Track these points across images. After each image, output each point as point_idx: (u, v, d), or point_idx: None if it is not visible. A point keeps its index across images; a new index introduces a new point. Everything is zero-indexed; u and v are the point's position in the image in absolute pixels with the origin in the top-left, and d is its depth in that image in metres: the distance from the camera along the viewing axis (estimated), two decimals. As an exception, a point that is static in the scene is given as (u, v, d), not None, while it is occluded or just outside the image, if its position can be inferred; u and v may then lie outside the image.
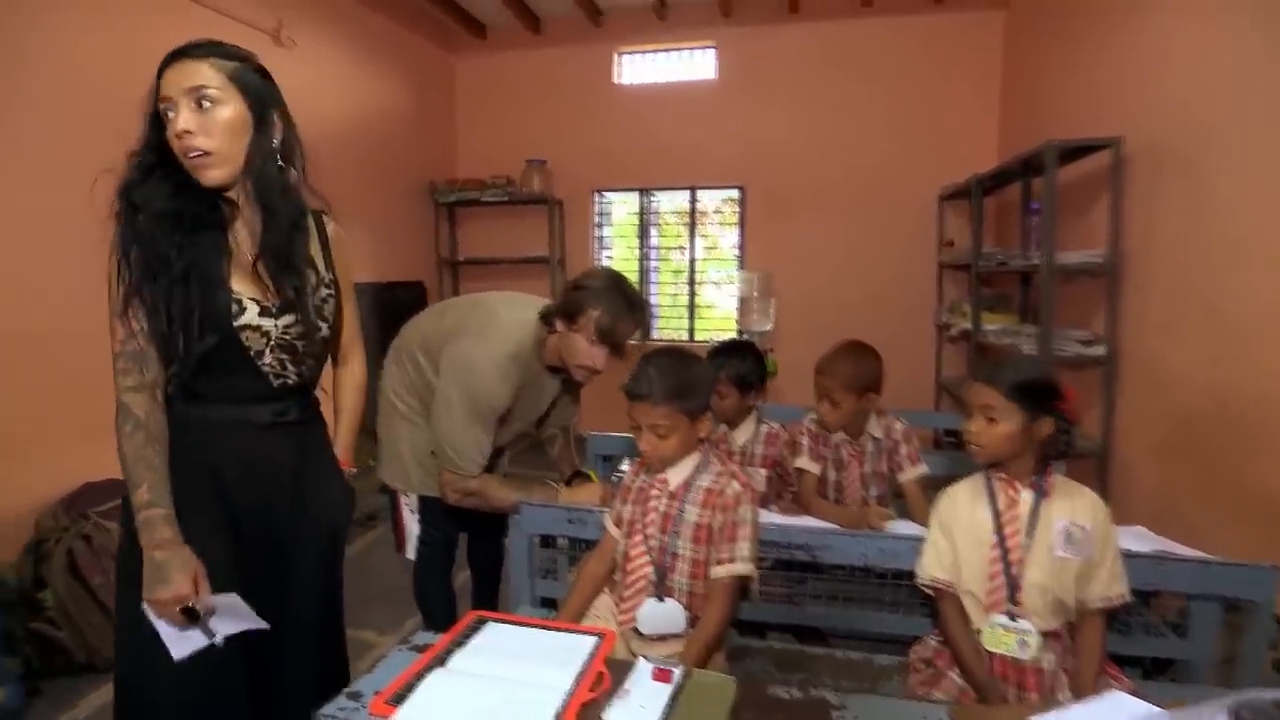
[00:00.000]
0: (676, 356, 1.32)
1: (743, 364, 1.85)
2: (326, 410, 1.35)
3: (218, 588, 1.10)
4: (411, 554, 1.85)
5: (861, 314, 4.49)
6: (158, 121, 1.06)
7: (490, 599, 2.18)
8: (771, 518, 1.57)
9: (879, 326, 4.30)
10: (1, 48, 2.33)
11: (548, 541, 1.72)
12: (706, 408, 1.30)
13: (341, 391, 1.41)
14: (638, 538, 1.32)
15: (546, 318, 1.64)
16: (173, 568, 1.04)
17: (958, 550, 1.26)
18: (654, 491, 1.32)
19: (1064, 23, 3.31)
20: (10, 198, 2.36)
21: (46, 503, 2.44)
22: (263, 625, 1.15)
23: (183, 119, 1.02)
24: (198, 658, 1.10)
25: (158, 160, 1.07)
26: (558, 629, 1.14)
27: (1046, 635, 1.19)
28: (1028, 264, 2.98)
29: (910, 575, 1.40)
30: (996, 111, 4.25)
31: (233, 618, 1.12)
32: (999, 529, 1.22)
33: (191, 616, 1.06)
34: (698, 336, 4.98)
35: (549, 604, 1.70)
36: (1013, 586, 1.19)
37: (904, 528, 1.69)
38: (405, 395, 1.77)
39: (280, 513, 1.21)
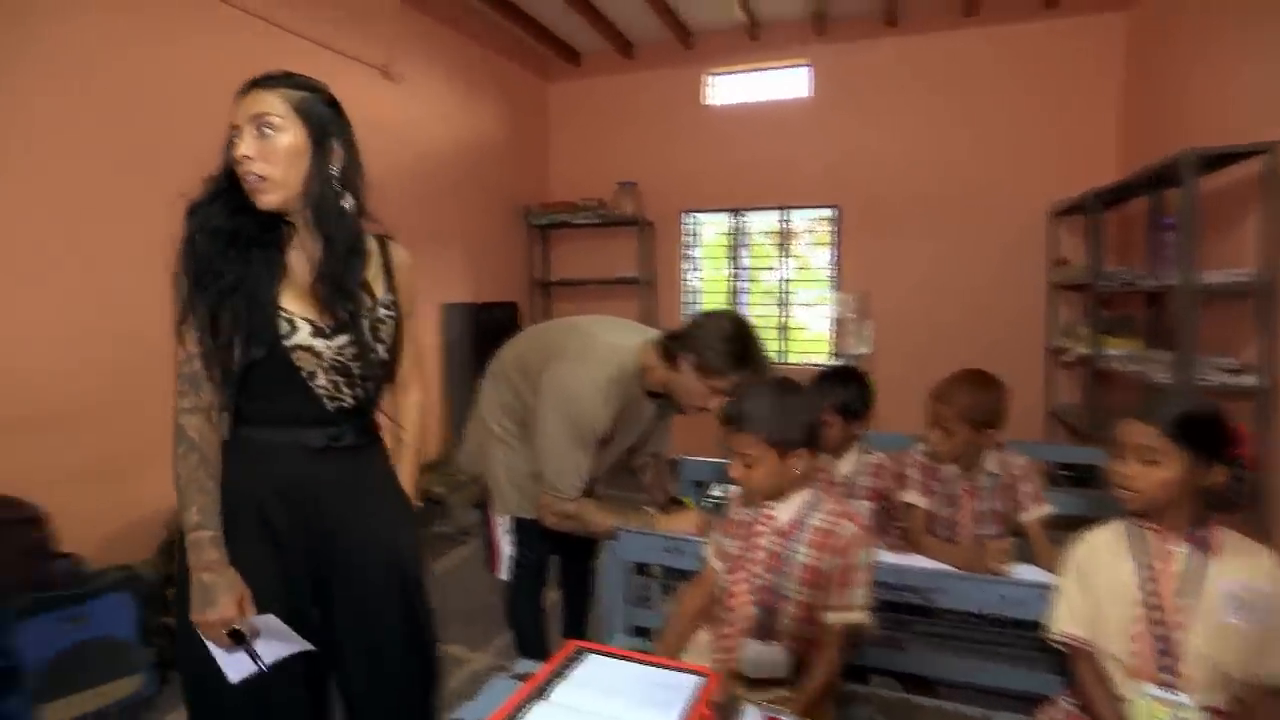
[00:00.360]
0: (776, 388, 1.27)
1: (846, 391, 1.77)
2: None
3: (265, 609, 1.10)
4: (505, 575, 1.87)
5: (965, 336, 4.26)
6: (231, 149, 1.11)
7: (580, 622, 2.17)
8: (881, 556, 1.48)
9: (983, 350, 4.06)
10: (112, 82, 2.57)
11: (642, 569, 1.69)
12: (804, 444, 1.23)
13: (401, 418, 1.37)
14: (741, 574, 1.26)
15: (663, 348, 1.63)
16: (219, 590, 1.05)
17: (1097, 605, 1.13)
18: (760, 527, 1.27)
19: (1200, 21, 3.04)
20: (145, 210, 2.60)
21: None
22: (307, 647, 1.13)
23: (244, 145, 1.07)
24: (254, 677, 1.11)
25: (228, 185, 1.11)
26: (659, 665, 1.10)
27: (1208, 711, 1.05)
28: (1160, 284, 2.72)
29: (1034, 626, 1.29)
30: (1116, 121, 3.95)
31: (277, 640, 1.11)
32: (1148, 586, 1.09)
33: (237, 639, 1.06)
34: (789, 359, 4.86)
35: (642, 633, 1.67)
36: (1167, 654, 1.06)
37: (1027, 572, 1.56)
38: (501, 418, 1.80)
39: (331, 536, 1.19)
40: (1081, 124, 4.00)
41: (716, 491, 2.43)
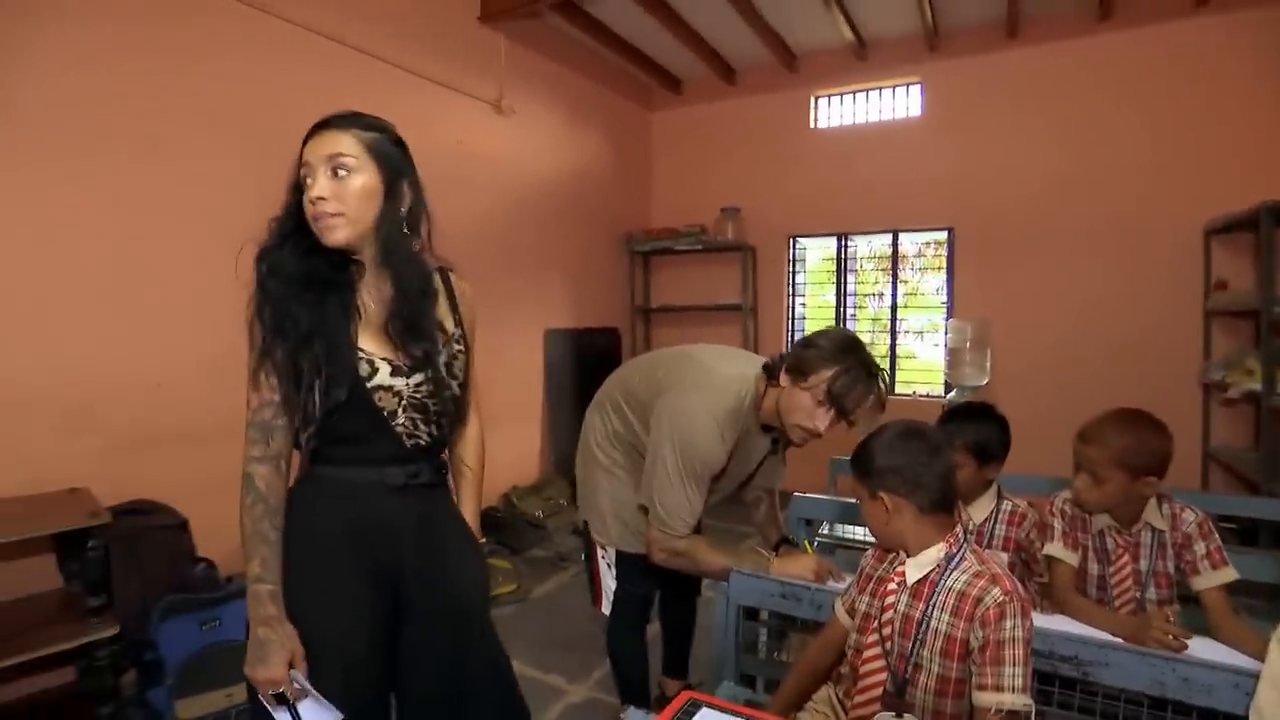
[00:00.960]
0: (901, 437, 1.16)
1: (981, 429, 1.60)
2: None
3: (348, 646, 1.10)
4: (607, 609, 1.82)
5: (1101, 369, 3.87)
6: (298, 189, 1.11)
7: (682, 660, 2.09)
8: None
9: (1124, 384, 3.69)
10: (250, 116, 2.79)
11: (751, 614, 1.59)
12: (908, 492, 1.12)
13: (464, 450, 1.35)
14: (873, 637, 1.15)
15: (770, 370, 1.56)
16: (273, 647, 1.03)
17: (1320, 701, 0.94)
18: (892, 585, 1.15)
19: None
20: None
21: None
22: (340, 716, 1.08)
23: (319, 185, 1.07)
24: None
25: (295, 227, 1.11)
26: (777, 726, 1.01)
27: None
28: (1355, 312, 2.35)
29: (1223, 717, 1.09)
30: (1288, 126, 3.49)
31: (319, 705, 1.08)
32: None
33: (281, 699, 1.05)
34: (898, 390, 4.60)
35: (748, 681, 1.57)
36: None
37: (1204, 648, 1.34)
38: (608, 447, 1.77)
39: (409, 575, 1.17)
40: (1245, 130, 3.57)
41: (825, 530, 2.30)
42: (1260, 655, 1.15)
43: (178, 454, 2.46)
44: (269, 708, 1.06)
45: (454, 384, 1.21)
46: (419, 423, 1.16)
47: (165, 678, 2.05)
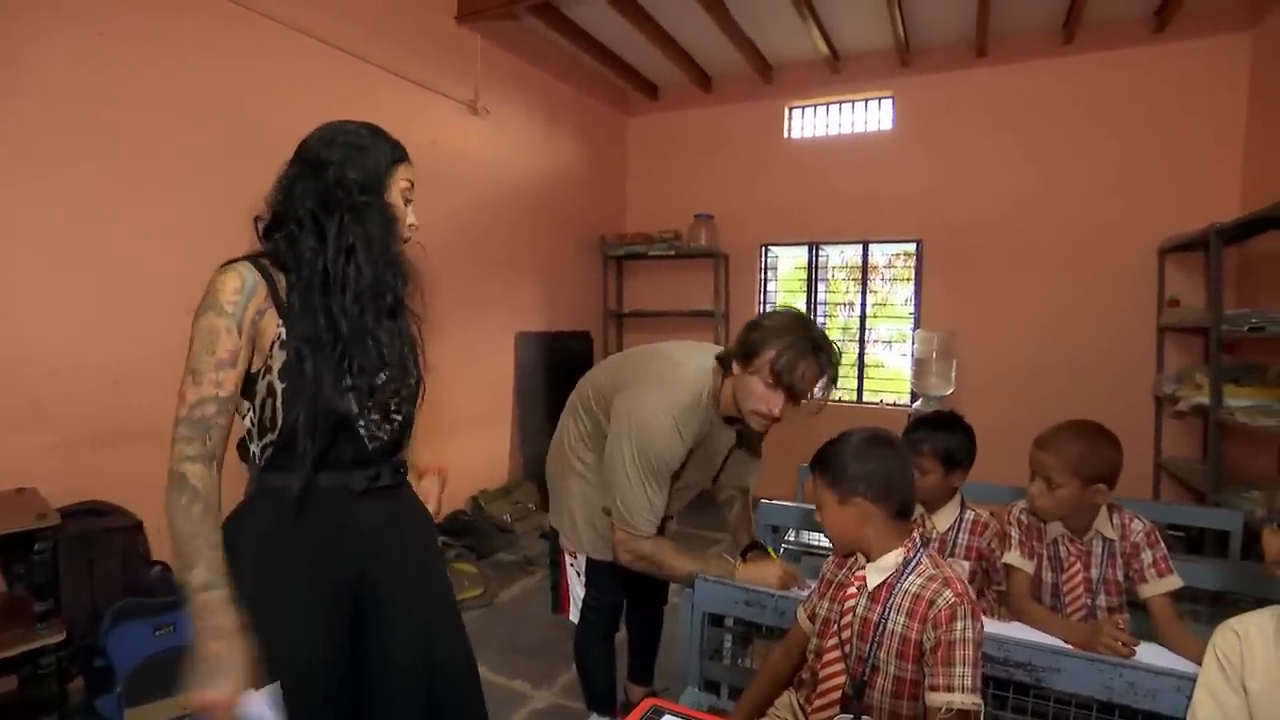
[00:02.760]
0: (870, 443, 1.18)
1: (949, 438, 1.64)
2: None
3: (309, 656, 1.07)
4: (574, 617, 1.81)
5: (1059, 380, 3.98)
6: (372, 191, 1.13)
7: (648, 667, 2.09)
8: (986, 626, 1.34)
9: (1081, 395, 3.80)
10: (233, 117, 2.74)
11: (716, 620, 1.60)
12: (868, 494, 1.14)
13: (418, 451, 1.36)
14: (832, 640, 1.17)
15: (723, 360, 1.55)
16: (226, 665, 0.92)
17: (1254, 707, 0.98)
18: (851, 589, 1.17)
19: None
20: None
21: (261, 521, 2.73)
22: None
23: (412, 210, 1.20)
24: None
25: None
26: (739, 733, 1.02)
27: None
28: (1297, 330, 2.46)
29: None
30: (1239, 150, 3.64)
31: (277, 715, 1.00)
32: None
33: None
34: (866, 398, 4.68)
35: (712, 687, 1.58)
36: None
37: (1150, 654, 1.38)
38: (581, 449, 1.75)
39: (378, 579, 1.16)
40: (1197, 154, 3.72)
41: (791, 537, 2.32)
42: (1200, 660, 1.20)
43: (133, 453, 2.38)
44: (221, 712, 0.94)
45: (411, 380, 1.20)
46: (380, 422, 1.14)
47: (115, 685, 1.99)
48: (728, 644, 1.67)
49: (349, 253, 1.07)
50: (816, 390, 1.47)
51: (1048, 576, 1.58)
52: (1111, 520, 1.55)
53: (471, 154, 3.76)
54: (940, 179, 4.33)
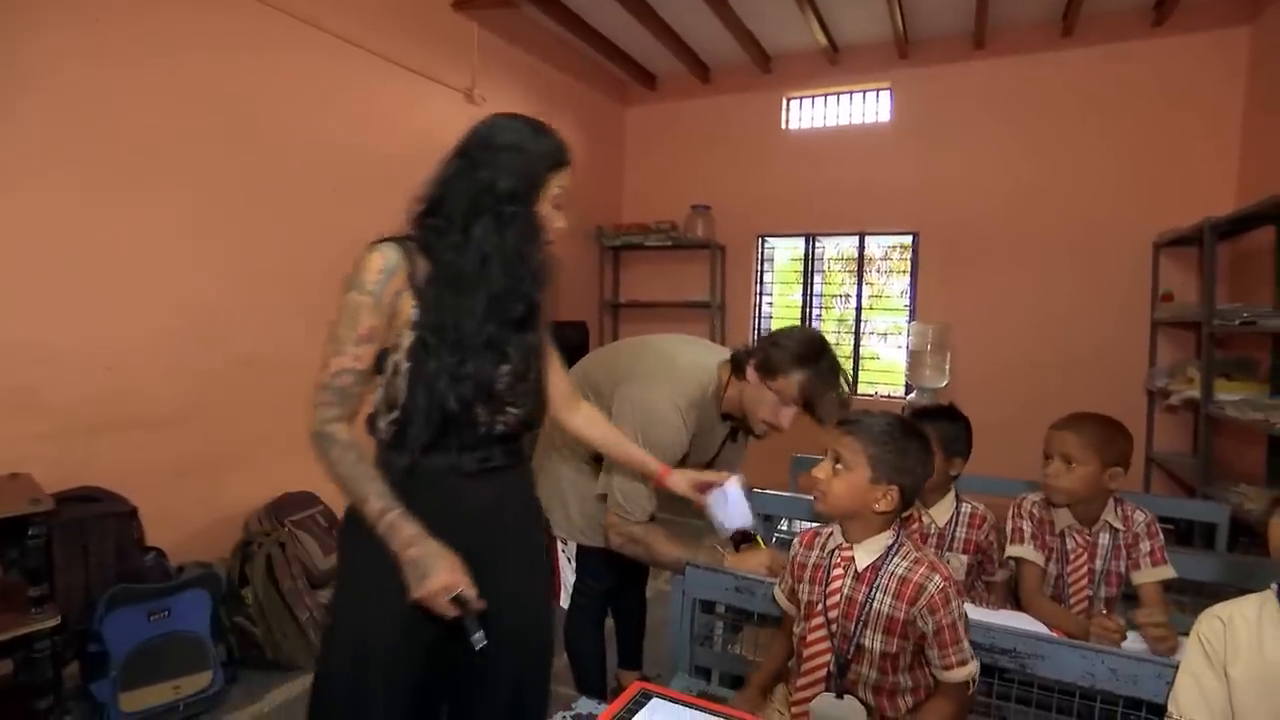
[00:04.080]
0: (919, 441, 1.20)
1: (949, 427, 1.67)
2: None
3: (421, 631, 1.14)
4: (565, 603, 1.83)
5: (1053, 374, 4.00)
6: (522, 200, 1.16)
7: (636, 652, 2.11)
8: (974, 614, 1.36)
9: (1075, 389, 3.81)
10: (213, 103, 2.73)
11: (707, 607, 1.62)
12: (900, 485, 1.15)
13: (595, 429, 1.47)
14: (818, 620, 1.19)
15: (737, 364, 1.59)
16: (431, 560, 1.06)
17: (1234, 693, 0.99)
18: (837, 570, 1.19)
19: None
20: (240, 228, 2.74)
21: (254, 507, 2.74)
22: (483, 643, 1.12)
23: (562, 215, 1.25)
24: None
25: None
26: (726, 715, 1.03)
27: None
28: (1288, 325, 2.47)
29: (1145, 706, 1.14)
30: (1236, 145, 3.64)
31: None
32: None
33: (460, 603, 1.07)
34: (861, 390, 4.69)
35: (703, 673, 1.60)
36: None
37: (1139, 642, 1.40)
38: (572, 440, 1.76)
39: (483, 556, 1.20)
40: (1194, 149, 3.72)
41: (784, 526, 2.34)
42: (1169, 653, 1.22)
43: (128, 440, 2.39)
44: (445, 612, 1.06)
45: (529, 381, 1.23)
46: (493, 415, 1.19)
47: (109, 669, 2.00)
48: (719, 632, 1.68)
49: (484, 260, 1.12)
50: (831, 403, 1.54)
51: (1053, 569, 1.59)
52: (1117, 512, 1.56)
53: (468, 143, 3.74)
54: (937, 171, 4.33)
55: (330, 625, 1.24)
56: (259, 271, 2.76)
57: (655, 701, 1.04)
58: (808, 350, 1.50)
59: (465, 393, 1.12)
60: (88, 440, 2.29)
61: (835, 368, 1.53)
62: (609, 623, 2.03)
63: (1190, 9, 3.62)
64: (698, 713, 1.03)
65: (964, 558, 1.64)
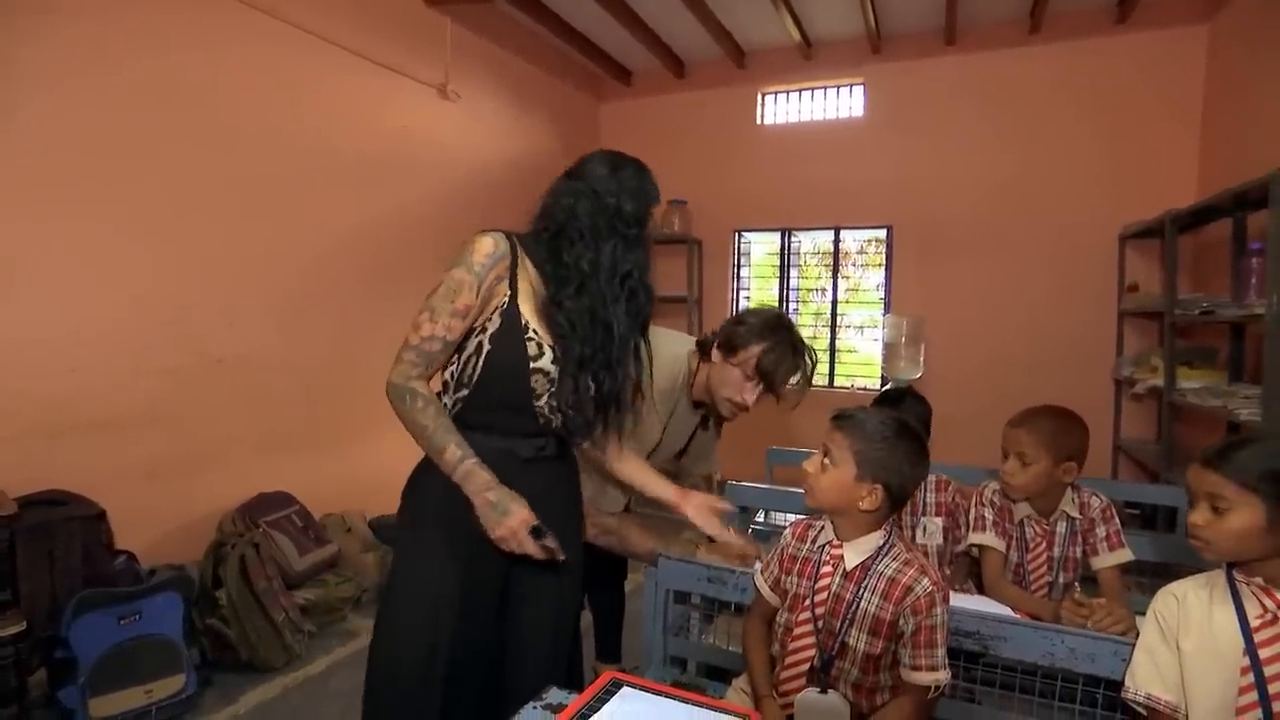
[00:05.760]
0: (912, 439, 1.18)
1: (914, 407, 1.72)
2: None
3: (445, 606, 1.22)
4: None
5: (1025, 364, 4.07)
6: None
7: (614, 644, 2.12)
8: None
9: (1045, 378, 3.89)
10: (174, 97, 2.69)
11: (681, 598, 1.63)
12: (886, 485, 1.14)
13: (639, 474, 1.51)
14: (804, 614, 1.19)
15: (703, 347, 1.61)
16: (507, 500, 1.16)
17: (1185, 665, 1.03)
18: (826, 567, 1.19)
19: (1290, 36, 2.86)
20: (205, 224, 2.70)
21: (228, 508, 2.71)
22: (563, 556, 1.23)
23: None
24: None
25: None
26: (696, 702, 1.05)
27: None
28: (1245, 313, 2.54)
29: (1104, 683, 1.18)
30: (1195, 139, 3.74)
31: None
32: (1251, 647, 0.98)
33: (538, 534, 1.17)
34: (837, 382, 4.74)
35: (678, 663, 1.61)
36: (1274, 723, 0.95)
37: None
38: None
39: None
40: (1157, 143, 3.81)
41: (760, 518, 2.36)
42: (1126, 634, 1.26)
43: (96, 441, 2.35)
44: (528, 549, 1.17)
45: (592, 388, 1.27)
46: (555, 409, 1.26)
47: (78, 675, 1.97)
48: (694, 622, 1.70)
49: (625, 277, 1.23)
50: (792, 386, 1.57)
51: (1014, 556, 1.63)
52: (1073, 499, 1.60)
53: (442, 139, 3.71)
54: (911, 166, 4.38)
55: (393, 583, 1.28)
56: (229, 270, 2.72)
57: (626, 690, 1.06)
58: (767, 324, 1.53)
59: (585, 398, 1.23)
60: (53, 442, 2.24)
61: (794, 342, 1.54)
62: (586, 616, 2.04)
63: (1151, 6, 3.70)
64: (668, 700, 1.04)
65: (939, 520, 1.69)
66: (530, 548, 1.16)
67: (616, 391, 1.27)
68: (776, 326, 1.54)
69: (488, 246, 1.19)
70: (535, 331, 1.21)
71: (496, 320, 1.20)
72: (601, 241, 1.21)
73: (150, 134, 2.45)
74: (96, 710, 1.96)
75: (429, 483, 1.23)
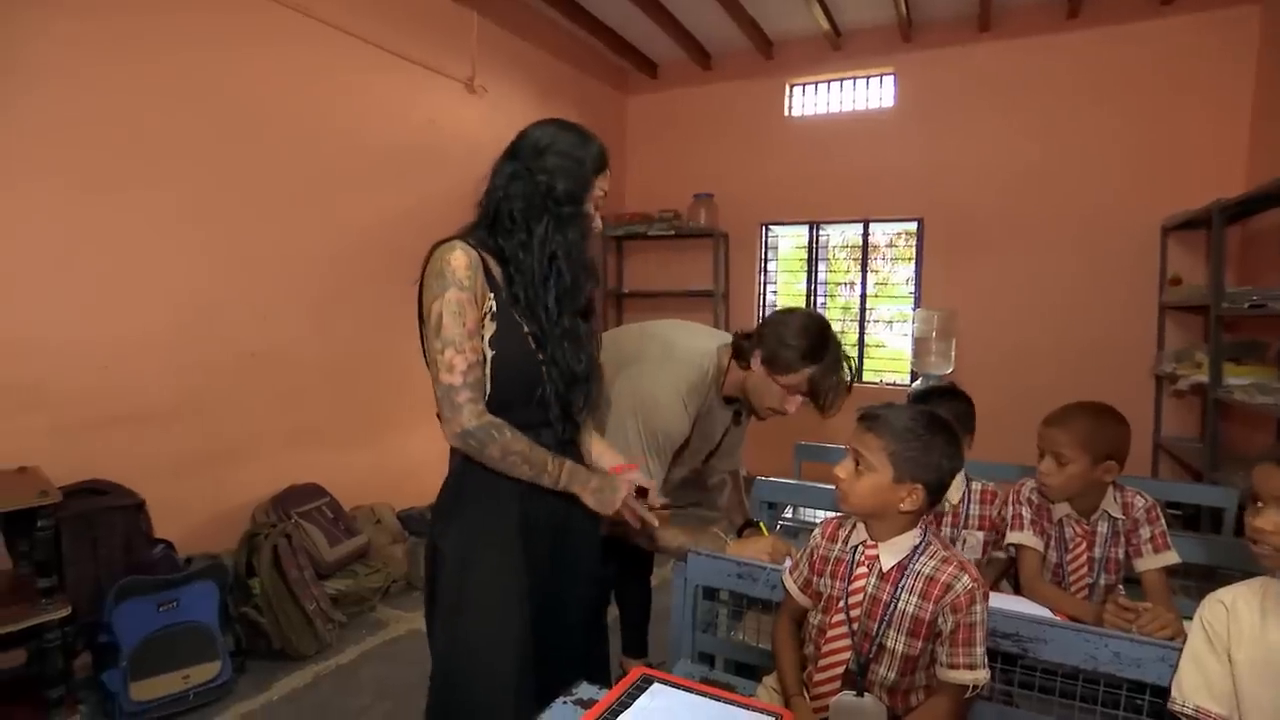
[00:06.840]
0: (946, 433, 1.15)
1: (955, 406, 1.67)
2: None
3: (509, 612, 1.24)
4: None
5: (1060, 360, 3.97)
6: (576, 201, 1.25)
7: (641, 639, 2.12)
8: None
9: (1082, 374, 3.80)
10: (210, 98, 2.73)
11: (710, 594, 1.62)
12: (925, 483, 1.11)
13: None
14: (838, 616, 1.16)
15: (739, 351, 1.58)
16: (612, 485, 1.27)
17: (1237, 677, 0.99)
18: (861, 569, 1.17)
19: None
20: (239, 222, 2.74)
21: (261, 499, 2.76)
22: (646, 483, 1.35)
23: (599, 215, 1.31)
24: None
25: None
26: (728, 700, 1.03)
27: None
28: (1298, 308, 2.44)
29: (1150, 690, 1.14)
30: (1245, 126, 3.59)
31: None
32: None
33: (642, 493, 1.31)
34: (866, 378, 4.67)
35: (706, 659, 1.60)
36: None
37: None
38: None
39: (566, 521, 1.31)
40: (1202, 131, 3.67)
41: (789, 514, 2.34)
42: (1174, 638, 1.21)
43: (134, 434, 2.41)
44: (641, 514, 1.30)
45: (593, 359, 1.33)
46: (555, 394, 1.28)
47: (120, 659, 2.03)
48: (722, 618, 1.68)
49: (552, 259, 1.22)
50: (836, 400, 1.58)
51: (1052, 556, 1.58)
52: (1116, 499, 1.55)
53: (469, 133, 3.73)
54: (942, 156, 4.29)
55: (477, 596, 1.25)
56: (260, 265, 2.76)
57: (656, 686, 1.05)
58: (814, 345, 1.52)
59: (555, 378, 1.24)
60: (95, 434, 2.31)
61: (840, 357, 1.55)
62: (613, 610, 2.04)
63: (1198, -12, 3.57)
64: (698, 697, 1.03)
65: (980, 534, 1.64)
66: (641, 512, 1.27)
67: (570, 375, 1.27)
68: (822, 345, 1.53)
69: (463, 260, 1.17)
70: (520, 321, 1.24)
71: (492, 325, 1.21)
72: (534, 224, 1.21)
73: (183, 132, 2.49)
74: (137, 693, 2.02)
75: (500, 489, 1.23)
